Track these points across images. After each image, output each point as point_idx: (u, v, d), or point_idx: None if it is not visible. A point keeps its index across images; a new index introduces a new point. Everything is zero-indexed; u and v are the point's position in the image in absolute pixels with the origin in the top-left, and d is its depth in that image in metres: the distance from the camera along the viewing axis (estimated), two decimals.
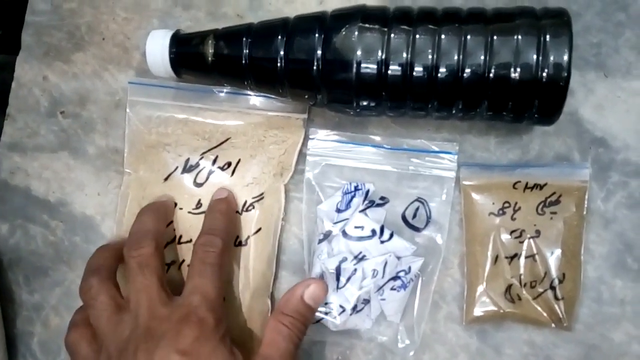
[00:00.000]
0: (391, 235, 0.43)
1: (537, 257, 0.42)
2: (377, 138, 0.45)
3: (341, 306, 0.42)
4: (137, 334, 0.37)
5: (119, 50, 0.49)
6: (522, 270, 0.43)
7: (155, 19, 0.49)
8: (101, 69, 0.49)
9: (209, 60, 0.42)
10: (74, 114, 0.49)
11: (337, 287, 0.42)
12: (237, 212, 0.45)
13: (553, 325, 0.42)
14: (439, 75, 0.38)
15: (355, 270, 0.42)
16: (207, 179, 0.46)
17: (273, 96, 0.45)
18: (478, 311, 0.43)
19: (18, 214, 0.49)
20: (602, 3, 0.45)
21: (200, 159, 0.46)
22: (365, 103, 0.41)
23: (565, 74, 0.37)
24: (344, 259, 0.43)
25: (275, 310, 0.40)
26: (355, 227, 0.43)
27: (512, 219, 0.43)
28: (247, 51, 0.41)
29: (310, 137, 0.46)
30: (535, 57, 0.37)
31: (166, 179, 0.46)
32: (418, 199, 0.44)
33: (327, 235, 0.44)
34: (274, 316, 0.40)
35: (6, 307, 0.47)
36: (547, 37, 0.37)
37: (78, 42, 0.50)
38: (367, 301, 0.43)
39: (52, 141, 0.49)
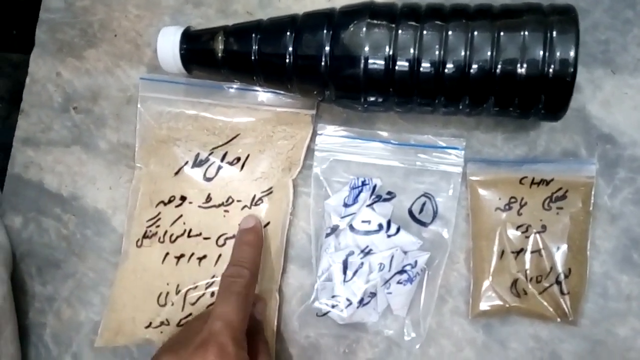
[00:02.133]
0: (398, 230, 0.43)
1: (543, 252, 0.43)
2: (385, 134, 0.46)
3: (348, 299, 0.43)
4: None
5: (130, 47, 0.50)
6: (528, 265, 0.43)
7: (167, 16, 0.50)
8: (113, 65, 0.50)
9: (219, 56, 0.43)
10: (87, 110, 0.50)
11: (344, 281, 0.43)
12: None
13: (559, 319, 0.42)
14: (446, 71, 0.38)
15: (362, 264, 0.43)
16: (216, 173, 0.46)
17: (282, 92, 0.46)
18: (484, 305, 0.43)
19: (31, 207, 0.50)
20: (610, 0, 0.45)
21: (210, 154, 0.46)
22: (372, 99, 0.41)
23: (572, 70, 0.37)
24: (351, 253, 0.43)
25: None
26: (362, 222, 0.44)
27: (519, 214, 0.43)
28: (257, 47, 0.42)
29: (319, 132, 0.46)
30: (542, 53, 0.37)
31: (176, 173, 0.47)
32: (425, 194, 0.45)
33: (334, 230, 0.44)
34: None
35: (19, 298, 0.48)
36: (554, 33, 0.37)
37: (91, 39, 0.51)
38: (373, 295, 0.43)
39: (65, 136, 0.50)
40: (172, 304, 0.45)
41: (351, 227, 0.44)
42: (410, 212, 0.45)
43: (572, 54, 0.37)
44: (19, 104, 0.51)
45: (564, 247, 0.42)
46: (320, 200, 0.46)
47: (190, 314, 0.45)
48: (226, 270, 0.41)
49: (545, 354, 0.43)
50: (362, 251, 0.43)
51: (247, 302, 0.39)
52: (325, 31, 0.40)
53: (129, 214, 0.47)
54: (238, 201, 0.46)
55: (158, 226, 0.46)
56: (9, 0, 0.58)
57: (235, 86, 0.47)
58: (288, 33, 0.41)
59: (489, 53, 0.38)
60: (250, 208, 0.45)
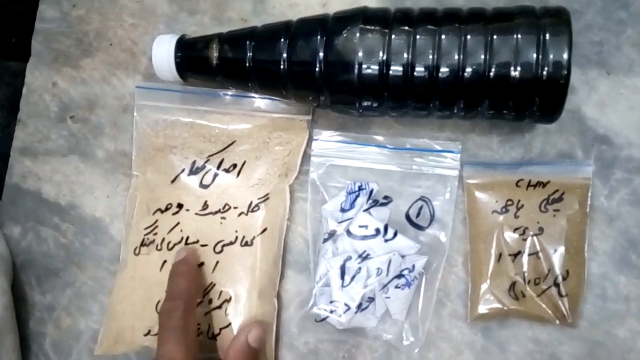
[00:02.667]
0: (395, 234, 0.43)
1: (540, 254, 0.43)
2: (380, 138, 0.46)
3: (346, 305, 0.43)
4: None
5: (126, 56, 0.50)
6: (525, 268, 0.43)
7: (162, 24, 0.50)
8: (109, 74, 0.50)
9: (214, 63, 0.43)
10: (83, 119, 0.50)
11: (342, 286, 0.43)
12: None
13: (557, 322, 0.42)
14: (440, 75, 0.39)
15: (360, 268, 0.43)
16: (213, 180, 0.46)
17: (277, 98, 0.46)
18: (482, 308, 0.43)
19: (30, 217, 0.50)
20: (603, 1, 0.45)
21: (207, 161, 0.46)
22: (367, 103, 0.41)
23: (565, 72, 0.37)
24: (349, 258, 0.43)
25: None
26: (360, 226, 0.44)
27: (515, 216, 0.43)
28: (251, 54, 0.42)
29: (315, 138, 0.46)
30: (535, 55, 0.37)
31: (173, 181, 0.47)
32: (422, 198, 0.45)
33: (331, 235, 0.44)
34: None
35: (19, 307, 0.48)
36: (547, 35, 0.37)
37: (86, 48, 0.51)
38: (371, 299, 0.43)
39: (62, 145, 0.50)
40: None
41: (348, 232, 0.44)
42: (407, 216, 0.45)
43: (565, 56, 0.37)
44: (17, 113, 0.51)
45: (562, 249, 0.42)
46: (318, 206, 0.46)
47: None
48: (161, 307, 0.41)
49: (544, 357, 0.43)
50: (359, 256, 0.43)
51: (187, 333, 0.40)
52: (319, 37, 0.40)
53: (126, 222, 0.47)
54: (235, 208, 0.46)
55: (155, 234, 0.46)
56: (7, 9, 0.58)
57: (230, 93, 0.47)
58: (282, 39, 0.41)
59: (482, 56, 0.38)
60: (247, 214, 0.45)
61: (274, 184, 0.46)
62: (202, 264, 0.45)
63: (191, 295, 0.42)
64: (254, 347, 0.42)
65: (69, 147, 0.50)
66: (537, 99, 0.39)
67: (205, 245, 0.45)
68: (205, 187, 0.46)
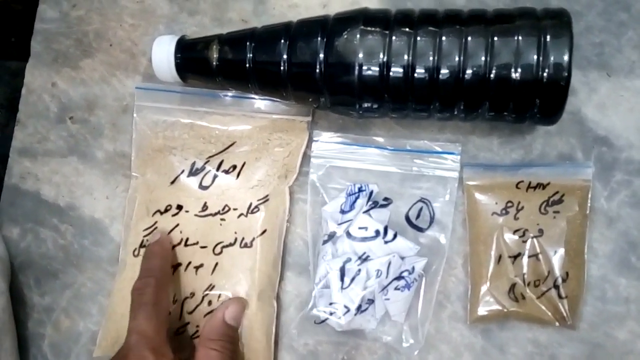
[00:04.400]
0: (395, 236, 0.43)
1: (540, 256, 0.43)
2: (381, 139, 0.46)
3: (346, 306, 0.43)
4: None
5: (126, 56, 0.50)
6: (525, 270, 0.43)
7: (162, 25, 0.50)
8: (109, 74, 0.50)
9: (214, 64, 0.43)
10: (83, 120, 0.50)
11: (342, 288, 0.43)
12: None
13: (557, 324, 0.42)
14: (441, 76, 0.38)
15: (360, 270, 0.43)
16: (212, 182, 0.46)
17: (277, 99, 0.46)
18: (482, 310, 0.43)
19: (29, 218, 0.50)
20: (604, 3, 0.45)
21: (206, 162, 0.46)
22: (367, 105, 0.41)
23: (566, 74, 0.37)
24: (348, 260, 0.43)
25: (201, 337, 0.41)
26: (359, 228, 0.44)
27: (515, 218, 0.43)
28: (251, 55, 0.42)
29: (314, 139, 0.46)
30: (535, 57, 0.37)
31: (172, 182, 0.47)
32: (421, 200, 0.45)
33: (331, 236, 0.44)
34: (201, 344, 0.41)
35: (17, 309, 0.48)
36: (548, 37, 0.37)
37: (86, 49, 0.51)
38: (371, 301, 0.43)
39: (62, 146, 0.50)
40: (170, 313, 0.45)
41: (348, 234, 0.44)
42: (407, 218, 0.45)
43: (566, 58, 0.37)
44: (17, 113, 0.51)
45: (561, 251, 0.42)
46: (317, 207, 0.46)
47: (188, 323, 0.45)
48: (133, 285, 0.41)
49: (544, 359, 0.43)
50: (359, 258, 0.43)
51: (158, 309, 0.40)
52: (319, 38, 0.40)
53: (125, 223, 0.47)
54: (234, 209, 0.45)
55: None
56: (7, 8, 0.58)
57: (230, 94, 0.47)
58: (282, 41, 0.41)
59: (483, 58, 0.38)
60: (246, 216, 0.45)
61: (273, 185, 0.46)
62: (201, 265, 0.45)
63: (164, 273, 0.43)
64: (230, 325, 0.42)
65: (68, 148, 0.50)
66: (538, 100, 0.38)
67: (205, 246, 0.45)
68: (205, 188, 0.46)
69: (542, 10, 0.39)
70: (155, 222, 0.46)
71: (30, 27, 0.52)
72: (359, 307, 0.43)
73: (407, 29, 0.39)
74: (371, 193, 0.45)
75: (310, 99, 0.43)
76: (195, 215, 0.46)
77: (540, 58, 0.37)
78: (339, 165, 0.46)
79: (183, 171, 0.46)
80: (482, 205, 0.44)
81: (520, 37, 0.38)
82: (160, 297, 0.41)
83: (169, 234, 0.46)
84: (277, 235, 0.45)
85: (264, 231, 0.45)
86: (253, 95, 0.46)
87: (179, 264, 0.45)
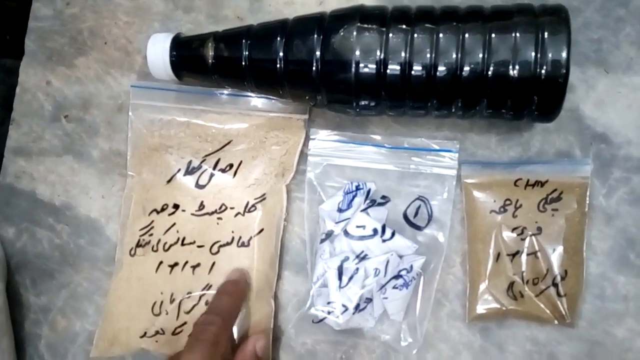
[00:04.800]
0: (393, 234, 0.43)
1: (539, 254, 0.42)
2: (378, 137, 0.45)
3: (344, 305, 0.42)
4: None
5: (121, 54, 0.50)
6: (524, 268, 0.43)
7: (157, 22, 0.50)
8: (104, 73, 0.50)
9: (209, 62, 0.43)
10: (78, 118, 0.50)
11: (340, 287, 0.43)
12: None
13: (556, 322, 0.42)
14: (438, 74, 0.38)
15: (358, 269, 0.43)
16: (209, 180, 0.46)
17: (273, 97, 0.45)
18: (481, 309, 0.43)
19: (24, 218, 0.49)
20: None
21: (203, 161, 0.46)
22: (364, 103, 0.41)
23: (564, 71, 0.37)
24: (346, 259, 0.43)
25: None
26: (357, 227, 0.43)
27: (514, 216, 0.43)
28: (247, 53, 0.41)
29: (312, 137, 0.46)
30: (533, 54, 0.37)
31: (169, 181, 0.46)
32: (419, 198, 0.45)
33: (329, 235, 0.44)
34: None
35: (14, 309, 0.48)
36: (545, 34, 0.37)
37: (80, 47, 0.50)
38: (369, 300, 0.43)
39: (57, 145, 0.50)
40: (167, 313, 0.44)
41: (346, 233, 0.43)
42: (405, 216, 0.45)
43: (564, 54, 0.37)
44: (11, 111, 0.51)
45: (560, 248, 0.42)
46: (315, 206, 0.45)
47: (185, 323, 0.44)
48: (199, 318, 0.40)
49: (543, 357, 0.43)
50: (357, 256, 0.43)
51: (216, 349, 0.38)
52: (315, 36, 0.40)
53: (122, 222, 0.47)
54: (231, 208, 0.45)
55: (151, 235, 0.46)
56: (1, 5, 0.58)
57: (226, 92, 0.46)
58: (278, 38, 0.41)
59: (480, 55, 0.38)
60: (243, 215, 0.45)
61: (270, 184, 0.45)
62: (198, 264, 0.45)
63: (231, 314, 0.42)
64: (260, 357, 0.42)
65: (63, 146, 0.50)
66: (536, 97, 0.38)
67: (202, 246, 0.45)
68: (202, 187, 0.46)
69: (540, 6, 0.39)
70: (152, 222, 0.46)
71: (25, 25, 0.51)
72: (357, 306, 0.43)
73: (403, 26, 0.39)
74: (369, 191, 0.45)
75: (307, 97, 0.43)
76: (192, 214, 0.46)
77: (538, 55, 0.37)
78: (336, 163, 0.45)
79: (179, 170, 0.46)
80: (480, 203, 0.44)
81: (517, 34, 0.37)
82: (221, 339, 0.39)
83: (165, 233, 0.45)
84: (274, 234, 0.45)
85: (261, 230, 0.45)
86: (249, 93, 0.46)
87: (176, 264, 0.45)
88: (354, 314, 0.43)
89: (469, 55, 0.38)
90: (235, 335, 0.44)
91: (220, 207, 0.45)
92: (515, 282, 0.43)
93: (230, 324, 0.42)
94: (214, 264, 0.45)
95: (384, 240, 0.43)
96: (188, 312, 0.44)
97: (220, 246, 0.45)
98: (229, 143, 0.46)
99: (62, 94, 0.50)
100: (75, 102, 0.50)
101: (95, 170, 0.49)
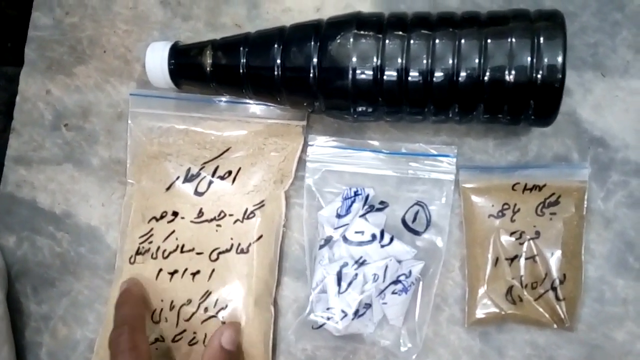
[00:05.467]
0: (391, 240, 0.43)
1: (537, 258, 0.42)
2: (376, 143, 0.45)
3: (343, 311, 0.42)
4: None
5: (120, 63, 0.50)
6: (522, 272, 0.43)
7: (156, 30, 0.50)
8: (103, 81, 0.50)
9: (208, 70, 0.43)
10: (77, 127, 0.50)
11: (339, 292, 0.43)
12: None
13: (555, 326, 0.42)
14: (435, 79, 0.38)
15: (357, 275, 0.43)
16: (208, 188, 0.46)
17: (272, 104, 0.46)
18: (480, 313, 0.43)
19: (25, 226, 0.50)
20: (598, 3, 0.45)
21: (202, 168, 0.46)
22: (362, 109, 0.41)
23: (560, 76, 0.37)
24: (345, 264, 0.43)
25: None
26: (356, 232, 0.43)
27: (512, 220, 0.43)
28: (245, 60, 0.42)
29: (310, 143, 0.46)
30: (529, 59, 0.37)
31: (168, 188, 0.46)
32: (418, 203, 0.45)
33: (328, 241, 0.44)
34: None
35: (15, 318, 0.48)
36: (541, 39, 0.37)
37: (80, 56, 0.51)
38: (368, 305, 0.43)
39: (57, 154, 0.50)
40: (167, 320, 0.45)
41: (344, 238, 0.44)
42: (404, 221, 0.45)
43: (559, 59, 0.37)
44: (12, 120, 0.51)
45: (558, 252, 0.42)
46: (313, 212, 0.45)
47: (185, 330, 0.44)
48: (110, 336, 0.41)
49: None
50: (356, 262, 0.43)
51: (137, 353, 0.40)
52: (312, 43, 0.40)
53: (121, 230, 0.47)
54: (230, 215, 0.45)
55: (151, 242, 0.46)
56: (2, 14, 0.58)
57: (225, 99, 0.47)
58: (276, 45, 0.41)
59: (476, 61, 0.38)
60: (242, 222, 0.45)
61: (269, 190, 0.46)
62: (197, 272, 0.45)
63: (135, 317, 0.42)
64: (228, 349, 0.41)
65: (63, 155, 0.50)
66: (532, 102, 0.38)
67: (201, 253, 0.45)
68: (201, 194, 0.46)
69: (536, 11, 0.39)
70: (151, 229, 0.46)
71: (26, 33, 0.51)
72: (357, 311, 0.43)
73: (400, 33, 0.39)
74: (367, 197, 0.45)
75: (304, 104, 0.43)
76: (191, 221, 0.46)
77: (534, 60, 0.37)
78: (334, 169, 0.46)
79: (178, 177, 0.46)
80: (478, 207, 0.44)
81: (513, 39, 0.37)
82: (137, 342, 0.40)
83: (164, 241, 0.45)
84: (273, 241, 0.45)
85: (260, 237, 0.45)
86: (247, 101, 0.46)
87: (176, 271, 0.45)
88: (353, 319, 0.43)
89: (465, 61, 0.38)
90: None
91: (219, 214, 0.45)
92: (514, 287, 0.43)
93: (139, 326, 0.42)
94: (213, 270, 0.45)
95: (382, 246, 0.43)
96: (187, 320, 0.45)
97: (220, 253, 0.45)
98: (227, 150, 0.46)
99: (62, 102, 0.50)
100: (75, 110, 0.50)
101: (95, 178, 0.49)
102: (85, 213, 0.49)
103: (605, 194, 0.44)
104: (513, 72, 0.37)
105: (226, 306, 0.44)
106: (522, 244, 0.43)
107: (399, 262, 0.43)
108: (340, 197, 0.45)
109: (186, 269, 0.45)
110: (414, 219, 0.45)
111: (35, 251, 0.49)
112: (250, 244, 0.45)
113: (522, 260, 0.43)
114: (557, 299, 0.42)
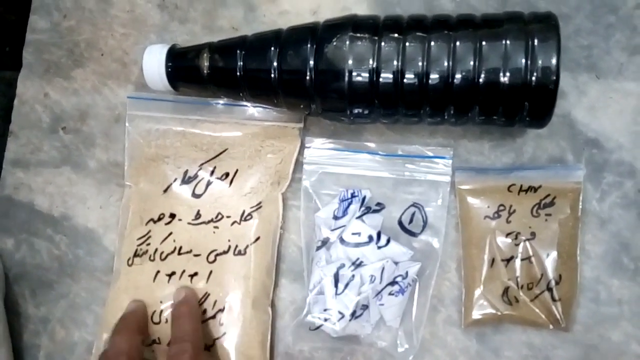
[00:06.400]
0: (388, 241, 0.43)
1: (533, 259, 0.43)
2: (372, 145, 0.46)
3: (340, 312, 0.43)
4: None
5: (117, 66, 0.50)
6: (518, 273, 0.43)
7: (153, 34, 0.50)
8: (100, 84, 0.50)
9: (205, 73, 0.43)
10: (75, 130, 0.50)
11: (336, 294, 0.43)
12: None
13: (551, 326, 0.43)
14: (430, 81, 0.39)
15: (354, 276, 0.43)
16: (205, 189, 0.46)
17: (268, 106, 0.46)
18: (476, 314, 0.43)
19: (23, 229, 0.50)
20: (591, 5, 0.45)
21: (199, 170, 0.46)
22: (358, 111, 0.41)
23: (554, 78, 0.37)
24: (342, 266, 0.43)
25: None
26: (353, 234, 0.44)
27: (508, 221, 0.43)
28: (242, 63, 0.42)
29: (307, 145, 0.46)
30: (524, 61, 0.37)
31: (165, 190, 0.47)
32: (414, 204, 0.45)
33: (325, 243, 0.44)
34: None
35: (13, 320, 0.48)
36: (535, 41, 0.37)
37: (77, 59, 0.51)
38: (365, 307, 0.43)
39: (55, 156, 0.50)
40: (166, 322, 0.45)
41: (341, 240, 0.44)
42: (400, 223, 0.45)
43: (553, 61, 0.37)
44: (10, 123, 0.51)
45: (554, 253, 0.43)
46: (310, 213, 0.46)
47: None
48: (170, 350, 0.40)
49: None
50: (353, 263, 0.43)
51: None
52: (309, 45, 0.40)
53: (119, 232, 0.47)
54: (227, 217, 0.46)
55: (148, 244, 0.46)
56: (0, 18, 0.58)
57: (222, 102, 0.47)
58: (272, 48, 0.41)
59: (471, 63, 0.38)
60: (239, 223, 0.45)
61: (266, 192, 0.46)
62: (195, 273, 0.45)
63: (198, 337, 0.42)
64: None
65: (61, 158, 0.50)
66: (527, 104, 0.39)
67: (199, 254, 0.45)
68: (198, 196, 0.46)
69: (530, 14, 0.39)
70: (149, 231, 0.46)
71: (24, 37, 0.52)
72: (354, 312, 0.43)
73: (396, 35, 0.39)
74: (364, 198, 0.45)
75: (301, 106, 0.43)
76: (189, 223, 0.46)
77: (529, 62, 0.37)
78: (331, 171, 0.46)
79: (176, 180, 0.47)
80: (474, 209, 0.44)
81: (508, 42, 0.38)
82: None
83: (162, 243, 0.46)
84: (270, 242, 0.45)
85: (258, 238, 0.45)
86: (245, 103, 0.46)
87: (173, 273, 0.45)
88: (350, 320, 0.43)
89: (460, 63, 0.38)
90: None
91: (217, 216, 0.46)
92: (510, 287, 0.43)
93: (200, 345, 0.42)
94: (211, 272, 0.45)
95: (379, 247, 0.43)
96: None
97: (217, 255, 0.45)
98: (224, 151, 0.46)
99: (59, 105, 0.51)
100: (72, 113, 0.50)
101: (93, 180, 0.49)
102: (83, 215, 0.49)
103: (600, 195, 0.44)
104: (508, 74, 0.38)
105: (224, 308, 0.44)
106: (517, 245, 0.43)
107: (396, 263, 0.43)
108: (337, 198, 0.45)
109: (184, 271, 0.45)
110: (411, 221, 0.45)
111: (33, 254, 0.49)
112: (247, 246, 0.45)
113: (518, 261, 0.43)
114: (553, 299, 0.42)
